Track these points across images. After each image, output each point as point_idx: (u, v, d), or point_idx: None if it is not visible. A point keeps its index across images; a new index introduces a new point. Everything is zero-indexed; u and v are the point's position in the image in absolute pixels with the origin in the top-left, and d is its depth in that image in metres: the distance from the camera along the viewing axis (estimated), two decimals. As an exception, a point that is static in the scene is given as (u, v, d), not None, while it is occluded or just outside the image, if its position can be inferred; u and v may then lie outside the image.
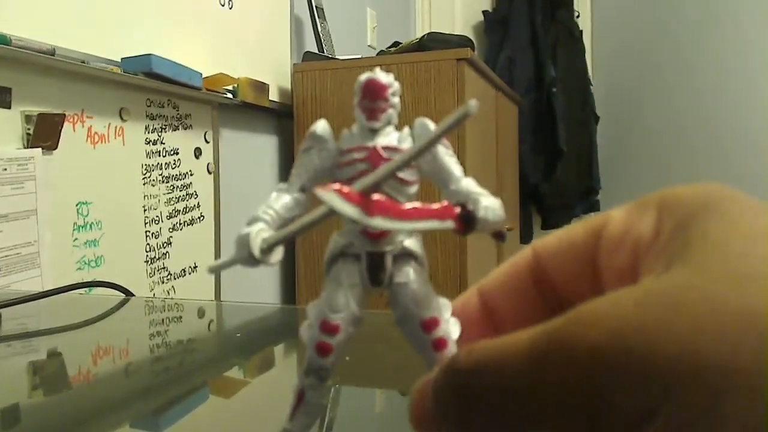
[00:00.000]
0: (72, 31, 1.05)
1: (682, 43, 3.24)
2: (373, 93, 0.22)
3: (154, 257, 1.26)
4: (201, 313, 0.81)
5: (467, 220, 0.20)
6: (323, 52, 1.77)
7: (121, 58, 1.13)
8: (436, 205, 0.20)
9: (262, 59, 1.65)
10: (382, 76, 0.22)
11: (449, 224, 0.20)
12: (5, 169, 0.92)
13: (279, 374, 0.57)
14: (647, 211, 0.19)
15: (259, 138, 1.73)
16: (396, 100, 0.22)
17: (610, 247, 0.19)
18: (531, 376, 0.15)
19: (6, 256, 0.92)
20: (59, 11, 1.03)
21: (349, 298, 0.22)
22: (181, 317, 0.77)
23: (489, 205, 0.21)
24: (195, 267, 1.39)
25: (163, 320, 0.75)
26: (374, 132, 0.22)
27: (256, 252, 0.20)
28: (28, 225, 0.96)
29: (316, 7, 1.80)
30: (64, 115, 1.02)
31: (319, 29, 1.79)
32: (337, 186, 0.19)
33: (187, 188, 1.37)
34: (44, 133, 0.98)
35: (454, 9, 2.97)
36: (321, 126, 0.23)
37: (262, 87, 1.56)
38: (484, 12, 3.15)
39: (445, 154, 0.22)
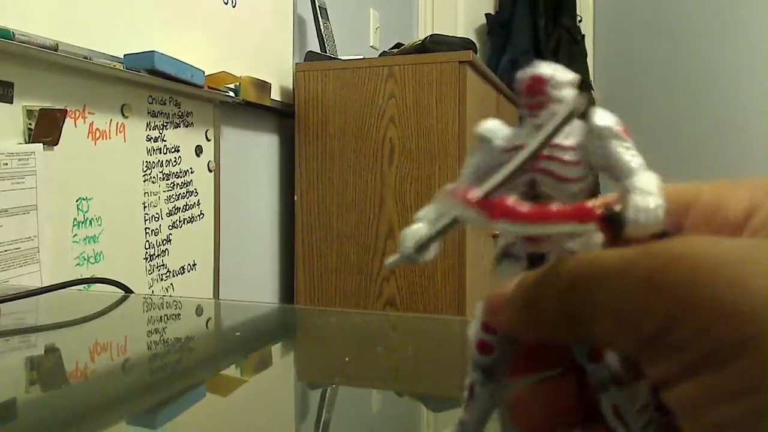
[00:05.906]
0: (75, 26, 1.05)
1: (683, 48, 3.24)
2: (530, 88, 0.21)
3: (154, 254, 1.26)
4: (199, 311, 0.81)
5: (613, 223, 0.18)
6: (326, 52, 1.78)
7: (124, 55, 1.13)
8: (572, 206, 0.19)
9: (265, 58, 1.65)
10: (543, 68, 0.21)
11: (591, 227, 0.18)
12: (6, 164, 0.92)
13: (276, 373, 0.57)
14: (739, 191, 0.19)
15: (260, 137, 1.73)
16: (559, 93, 0.21)
17: (698, 222, 0.20)
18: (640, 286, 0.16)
19: (5, 250, 0.92)
20: (63, 6, 1.03)
21: None
22: (179, 315, 0.77)
23: (641, 204, 0.18)
24: (194, 265, 1.39)
25: (161, 318, 0.75)
26: (538, 128, 0.20)
27: (410, 250, 0.21)
28: (28, 220, 0.96)
29: (319, 7, 1.80)
30: (66, 110, 1.02)
31: (322, 29, 1.79)
32: (453, 188, 0.19)
33: (187, 186, 1.37)
34: (46, 129, 0.98)
35: (456, 11, 2.97)
36: (484, 125, 0.22)
37: (263, 86, 1.56)
38: (487, 15, 3.15)
39: (619, 145, 0.20)
